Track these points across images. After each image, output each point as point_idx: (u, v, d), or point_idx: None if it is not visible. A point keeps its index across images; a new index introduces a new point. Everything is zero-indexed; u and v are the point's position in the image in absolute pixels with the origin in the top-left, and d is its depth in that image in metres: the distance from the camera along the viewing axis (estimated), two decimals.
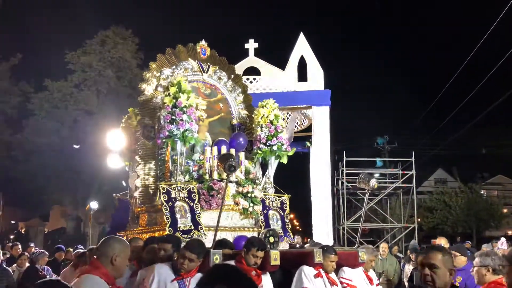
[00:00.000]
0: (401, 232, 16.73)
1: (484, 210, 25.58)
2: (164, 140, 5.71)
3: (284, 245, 5.87)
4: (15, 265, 7.67)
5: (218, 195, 5.56)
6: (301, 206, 6.54)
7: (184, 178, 5.63)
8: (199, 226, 5.24)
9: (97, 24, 21.30)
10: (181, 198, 5.33)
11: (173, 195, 5.30)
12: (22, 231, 20.98)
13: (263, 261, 4.15)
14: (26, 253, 8.21)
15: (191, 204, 5.35)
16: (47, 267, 7.54)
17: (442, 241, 7.70)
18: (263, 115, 6.45)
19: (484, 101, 20.13)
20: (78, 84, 20.10)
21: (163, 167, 6.01)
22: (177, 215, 5.20)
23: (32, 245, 10.06)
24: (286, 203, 6.25)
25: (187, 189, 5.42)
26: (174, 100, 5.62)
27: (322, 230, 9.24)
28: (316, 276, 4.40)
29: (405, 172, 16.57)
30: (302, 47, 10.38)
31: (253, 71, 10.35)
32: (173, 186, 5.36)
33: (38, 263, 7.28)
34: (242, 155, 6.19)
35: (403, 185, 16.71)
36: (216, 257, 4.04)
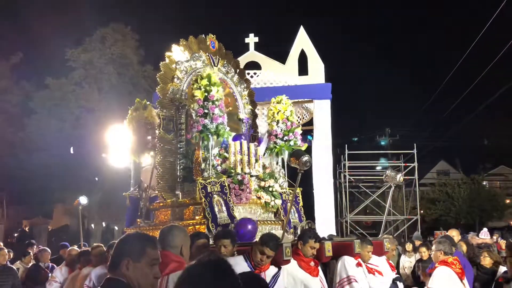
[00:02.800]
0: (404, 224, 16.76)
1: (487, 201, 25.59)
2: (195, 135, 5.64)
3: None
4: (18, 262, 7.73)
5: (247, 189, 5.67)
6: (303, 200, 6.69)
7: (213, 172, 5.63)
8: (234, 220, 5.27)
9: (97, 21, 21.27)
10: (216, 193, 5.35)
11: (209, 190, 5.30)
12: (26, 229, 21.09)
13: (318, 253, 4.33)
14: (30, 252, 8.25)
15: (224, 198, 5.38)
16: (51, 264, 7.57)
17: (454, 233, 7.82)
18: (279, 110, 6.55)
19: (485, 91, 20.09)
20: (79, 81, 20.09)
21: (184, 160, 5.94)
22: (216, 210, 5.21)
23: (34, 242, 10.10)
24: (299, 196, 6.43)
25: (219, 183, 5.43)
26: (206, 94, 5.54)
27: (325, 223, 9.25)
28: (357, 265, 4.69)
29: (407, 164, 16.56)
30: (302, 41, 10.35)
31: (253, 65, 10.33)
32: (208, 180, 5.36)
33: (41, 261, 7.30)
34: (259, 150, 6.26)
35: (406, 177, 16.71)
36: (288, 250, 4.16)
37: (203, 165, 5.64)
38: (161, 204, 5.96)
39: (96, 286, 4.88)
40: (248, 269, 3.76)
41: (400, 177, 6.32)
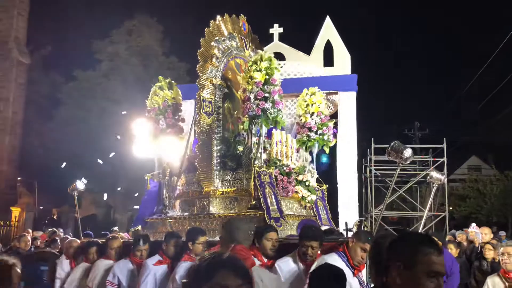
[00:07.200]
0: (432, 220, 16.25)
1: None
2: (245, 120, 5.28)
3: None
4: (48, 248, 7.85)
5: (293, 182, 5.46)
6: (327, 195, 6.59)
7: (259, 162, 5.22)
8: (283, 214, 4.96)
9: (123, 13, 21.49)
10: (267, 183, 5.02)
11: (262, 180, 4.94)
12: (55, 217, 21.71)
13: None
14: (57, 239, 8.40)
15: (274, 189, 5.07)
16: None
17: (486, 231, 7.55)
18: (314, 103, 6.30)
19: None
20: (105, 73, 20.38)
21: (222, 146, 5.59)
22: (268, 201, 4.86)
23: (61, 230, 10.32)
24: (325, 193, 6.27)
25: (268, 174, 5.09)
26: (267, 76, 5.19)
27: (349, 219, 9.01)
28: None
29: (436, 159, 16.00)
30: (328, 31, 10.08)
31: (278, 56, 10.12)
32: (262, 169, 5.03)
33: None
34: (294, 142, 6.05)
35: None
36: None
37: (252, 153, 5.26)
38: (198, 193, 5.56)
39: (121, 283, 4.47)
40: (347, 269, 3.48)
41: (444, 178, 6.20)
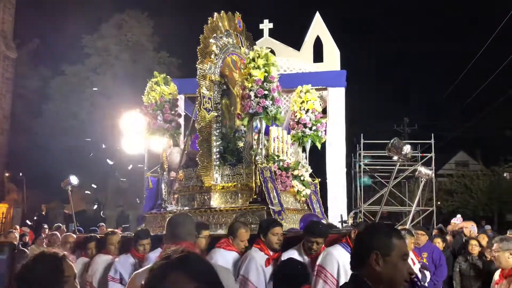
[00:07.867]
0: (420, 215, 16.47)
1: (507, 194, 24.96)
2: (244, 117, 5.37)
3: None
4: (33, 245, 7.83)
5: (291, 177, 5.58)
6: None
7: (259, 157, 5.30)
8: (283, 207, 5.08)
9: (113, 7, 21.29)
10: (268, 178, 5.13)
11: (264, 175, 5.05)
12: (43, 213, 21.52)
13: None
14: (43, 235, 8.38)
15: (274, 184, 5.20)
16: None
17: (469, 225, 7.67)
18: (309, 100, 6.42)
19: (508, 81, 19.43)
20: (94, 68, 20.21)
21: (220, 142, 5.69)
22: (271, 196, 4.98)
23: (46, 226, 10.27)
24: (318, 187, 6.40)
25: (268, 169, 5.22)
26: (266, 74, 5.27)
27: (338, 213, 9.11)
28: None
29: (424, 154, 16.20)
30: (318, 27, 10.14)
31: None
32: (263, 165, 5.13)
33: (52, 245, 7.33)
34: (289, 138, 6.14)
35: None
36: None
37: (253, 149, 5.35)
38: (198, 188, 5.62)
39: (123, 278, 4.41)
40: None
41: (432, 173, 6.37)
